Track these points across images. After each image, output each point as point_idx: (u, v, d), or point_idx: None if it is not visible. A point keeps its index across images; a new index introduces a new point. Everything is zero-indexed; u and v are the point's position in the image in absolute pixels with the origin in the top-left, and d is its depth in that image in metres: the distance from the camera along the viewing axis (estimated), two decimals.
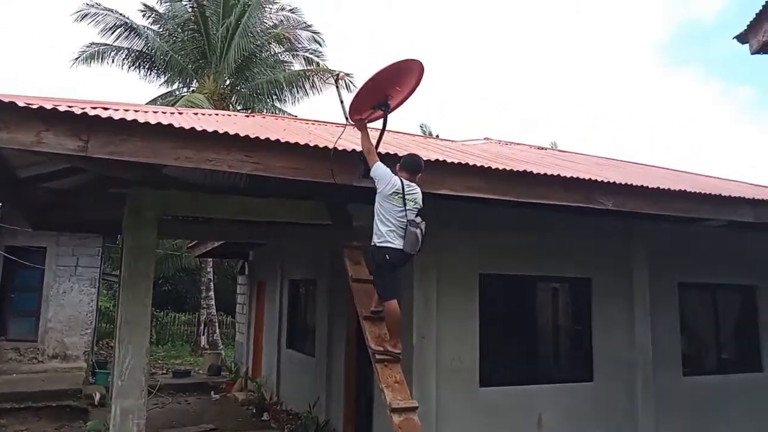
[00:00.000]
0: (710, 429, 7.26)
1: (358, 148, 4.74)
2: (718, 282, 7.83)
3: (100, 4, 17.84)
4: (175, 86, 19.66)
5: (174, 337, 21.49)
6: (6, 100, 3.81)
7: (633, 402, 6.87)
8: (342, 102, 4.98)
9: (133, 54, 18.43)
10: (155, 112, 4.85)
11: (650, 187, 5.79)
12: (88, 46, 18.13)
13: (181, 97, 17.32)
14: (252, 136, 4.45)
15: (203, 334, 18.31)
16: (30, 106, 3.88)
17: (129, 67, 18.64)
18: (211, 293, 18.40)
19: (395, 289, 4.60)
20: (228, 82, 18.94)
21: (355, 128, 4.86)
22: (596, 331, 6.94)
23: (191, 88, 19.09)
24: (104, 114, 4.07)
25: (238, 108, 18.97)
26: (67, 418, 9.71)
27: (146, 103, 16.15)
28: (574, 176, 5.45)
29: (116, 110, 4.51)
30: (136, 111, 4.98)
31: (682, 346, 7.46)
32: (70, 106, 4.04)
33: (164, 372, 14.82)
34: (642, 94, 64.86)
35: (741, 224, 6.88)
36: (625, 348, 6.98)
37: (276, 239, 8.91)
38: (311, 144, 4.63)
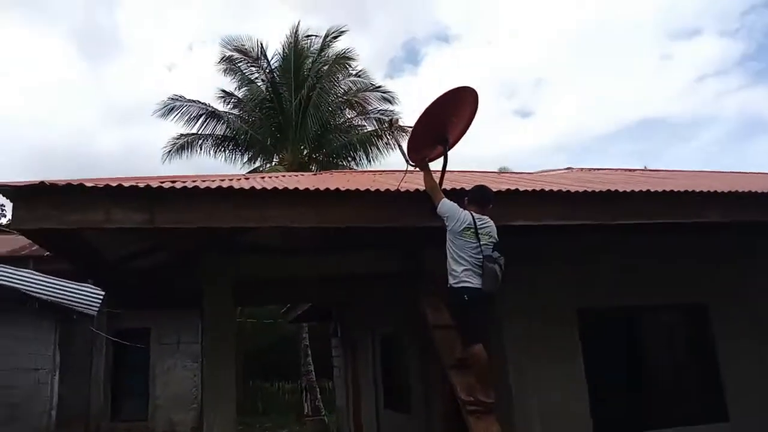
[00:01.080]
0: None
1: (422, 188, 4.53)
2: None
3: (183, 97, 19.25)
4: (257, 163, 20.62)
5: (280, 406, 21.61)
6: (75, 183, 4.00)
7: None
8: (400, 146, 4.86)
9: (217, 138, 19.58)
10: (222, 180, 4.92)
11: (761, 192, 5.09)
12: (177, 138, 19.49)
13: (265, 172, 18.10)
14: (312, 188, 4.37)
15: (306, 401, 18.25)
16: (97, 186, 4.03)
17: (215, 152, 19.81)
18: (309, 359, 18.43)
19: (480, 333, 4.23)
20: (305, 152, 19.61)
21: (418, 170, 4.67)
22: (724, 363, 6.09)
23: (273, 163, 19.93)
24: (166, 185, 4.15)
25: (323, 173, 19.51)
26: None
27: None
28: (667, 189, 4.89)
29: (183, 182, 4.59)
30: (204, 180, 5.08)
31: None
32: (135, 183, 4.18)
33: None
34: None
35: None
36: (761, 381, 6.03)
37: (357, 296, 8.75)
38: (372, 189, 4.47)
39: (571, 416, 5.49)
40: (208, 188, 4.18)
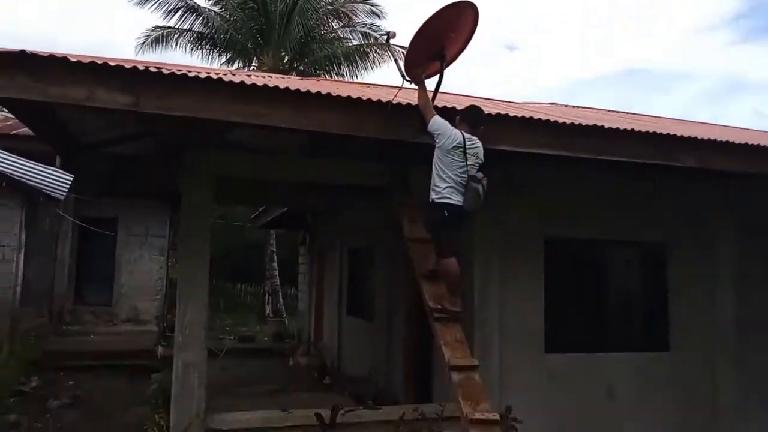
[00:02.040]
0: None
1: (414, 103, 4.51)
2: None
3: None
4: (236, 65, 19.87)
5: (242, 307, 22.20)
6: (59, 56, 3.83)
7: (714, 374, 6.38)
8: (396, 60, 4.76)
9: (194, 35, 18.67)
10: (208, 72, 4.78)
11: (738, 143, 5.24)
12: (152, 30, 18.51)
13: None
14: (303, 89, 4.30)
15: (268, 304, 18.78)
16: (81, 61, 3.87)
17: (192, 49, 18.94)
18: (275, 264, 18.78)
19: (454, 247, 4.39)
20: (287, 59, 18.95)
21: (413, 85, 4.62)
22: (673, 298, 6.48)
23: (252, 67, 19.24)
24: (154, 69, 4.02)
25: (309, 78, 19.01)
26: (139, 375, 10.15)
27: None
28: (651, 131, 4.99)
29: (170, 69, 4.44)
30: (190, 71, 4.93)
31: None
32: (121, 64, 4.03)
33: (231, 338, 15.30)
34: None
35: None
36: (706, 317, 6.48)
37: (335, 205, 8.85)
38: (364, 98, 4.43)
39: (527, 330, 5.84)
40: (197, 77, 4.07)
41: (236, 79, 4.23)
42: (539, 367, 5.85)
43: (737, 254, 6.59)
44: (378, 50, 18.79)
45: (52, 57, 3.83)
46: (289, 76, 10.02)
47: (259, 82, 4.34)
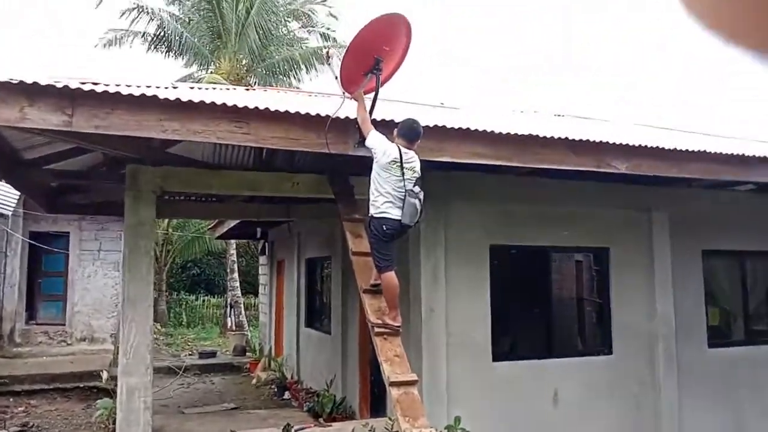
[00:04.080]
0: (737, 402, 6.97)
1: (353, 116, 4.57)
2: (747, 249, 7.43)
3: None
4: (193, 68, 19.70)
5: (204, 320, 21.84)
6: None
7: (654, 375, 6.60)
8: (337, 77, 4.81)
9: (149, 37, 18.44)
10: (148, 86, 4.74)
11: (666, 148, 5.46)
12: (106, 32, 18.27)
13: (200, 80, 17.32)
14: (240, 105, 4.31)
15: (230, 316, 18.52)
16: (11, 81, 3.82)
17: (148, 50, 18.70)
18: (236, 275, 18.55)
19: (392, 261, 4.45)
20: (244, 62, 18.85)
21: (352, 98, 4.69)
22: (615, 303, 6.67)
23: (209, 71, 19.06)
24: (86, 87, 3.99)
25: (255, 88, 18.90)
26: (94, 398, 9.90)
27: None
28: (583, 139, 5.17)
29: (106, 84, 4.41)
30: (128, 85, 4.89)
31: (707, 316, 7.14)
32: (53, 82, 3.98)
33: (191, 353, 15.06)
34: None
35: None
36: (646, 320, 6.70)
37: (284, 216, 8.83)
38: (302, 112, 4.47)
39: (473, 344, 5.93)
40: (131, 94, 4.05)
41: (171, 95, 4.22)
42: (487, 376, 5.95)
43: (669, 254, 6.82)
44: (329, 65, 18.78)
45: None
46: (237, 86, 9.96)
47: (196, 97, 4.33)
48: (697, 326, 6.96)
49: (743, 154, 5.71)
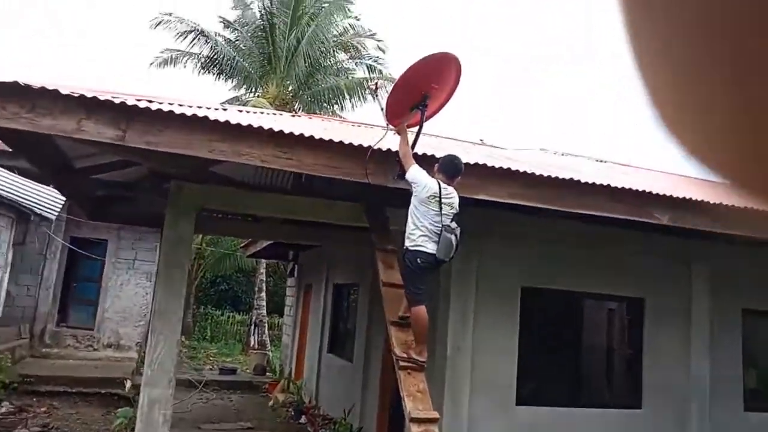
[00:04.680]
0: None
1: (394, 149, 4.62)
2: None
3: (172, 14, 18.67)
4: (242, 91, 20.26)
5: (227, 336, 21.98)
6: (50, 88, 3.96)
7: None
8: (382, 109, 4.89)
9: (202, 59, 19.11)
10: (199, 107, 4.90)
11: (711, 202, 5.35)
12: (162, 52, 19.00)
13: (246, 103, 17.79)
14: (286, 131, 4.41)
15: (254, 334, 18.60)
16: (72, 94, 4.01)
17: (200, 72, 19.35)
18: (263, 294, 18.67)
19: (424, 295, 4.43)
20: (291, 89, 19.31)
21: (395, 132, 4.75)
22: (647, 355, 6.48)
23: (257, 94, 19.57)
24: (142, 104, 4.15)
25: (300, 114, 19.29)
26: (115, 405, 10.01)
27: None
28: (624, 186, 5.10)
29: (159, 102, 4.58)
30: (181, 105, 5.06)
31: (745, 378, 6.86)
32: (111, 97, 4.15)
33: (212, 368, 15.13)
34: None
35: None
36: (680, 376, 6.48)
37: (317, 241, 8.91)
38: (345, 142, 4.55)
39: (498, 385, 5.83)
40: (183, 114, 4.19)
41: (221, 117, 4.35)
42: (509, 419, 5.82)
43: (708, 310, 6.61)
44: (374, 97, 19.07)
45: (44, 89, 3.95)
46: (283, 112, 10.19)
47: (245, 120, 4.46)
48: (733, 388, 6.69)
49: None
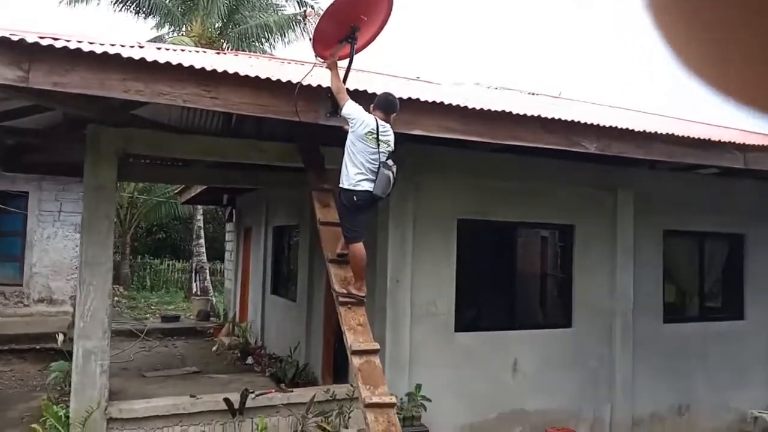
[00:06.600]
0: (688, 375, 7.26)
1: (325, 85, 4.48)
2: (706, 230, 7.67)
3: None
4: (164, 30, 19.01)
5: (168, 284, 21.62)
6: None
7: (611, 348, 6.82)
8: (311, 40, 4.71)
9: None
10: (112, 45, 4.54)
11: (636, 130, 5.54)
12: None
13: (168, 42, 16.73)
14: (208, 68, 4.18)
15: (195, 281, 18.35)
16: None
17: (116, 10, 17.94)
18: (202, 240, 18.29)
19: (361, 232, 4.44)
20: (217, 26, 18.28)
21: (325, 66, 4.59)
22: (577, 278, 6.83)
23: (180, 33, 18.42)
24: (45, 42, 3.80)
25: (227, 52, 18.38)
26: (50, 360, 9.73)
27: None
28: (555, 117, 5.19)
29: (66, 40, 4.21)
30: (90, 43, 4.67)
31: (665, 293, 7.37)
32: (10, 35, 3.78)
33: (154, 318, 14.91)
34: None
35: (730, 171, 6.69)
36: (606, 295, 6.88)
37: (252, 184, 8.71)
38: (273, 78, 4.36)
39: (437, 314, 6.01)
40: (92, 52, 3.88)
41: (135, 54, 4.06)
42: (448, 345, 6.05)
43: (632, 233, 6.98)
44: (304, 26, 18.34)
45: None
46: (207, 50, 9.65)
47: (162, 57, 4.18)
48: (654, 303, 7.18)
49: (708, 139, 5.83)
